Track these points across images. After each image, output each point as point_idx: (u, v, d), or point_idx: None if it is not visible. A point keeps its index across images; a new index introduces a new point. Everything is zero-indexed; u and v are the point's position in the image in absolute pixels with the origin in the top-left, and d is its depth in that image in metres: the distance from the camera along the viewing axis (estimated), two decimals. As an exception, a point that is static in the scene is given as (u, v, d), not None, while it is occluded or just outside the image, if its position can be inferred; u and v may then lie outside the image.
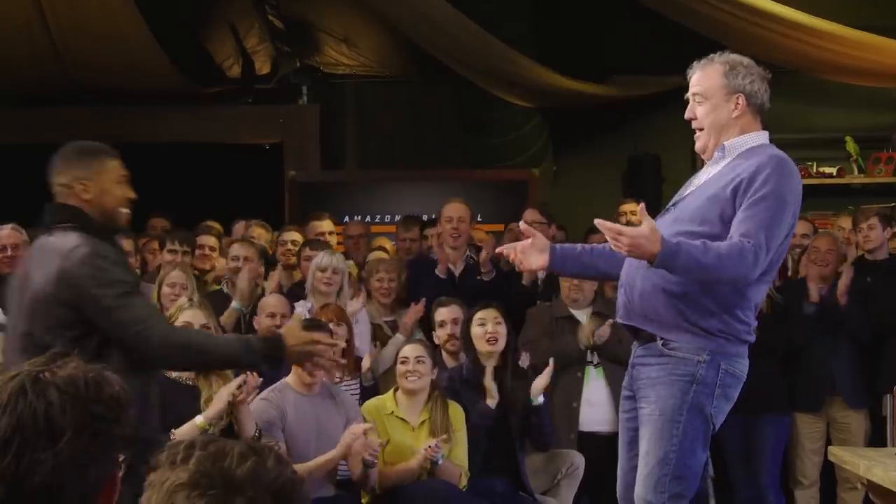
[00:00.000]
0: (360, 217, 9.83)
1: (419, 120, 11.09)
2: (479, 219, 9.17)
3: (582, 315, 6.67)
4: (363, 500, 5.75)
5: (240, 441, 1.78)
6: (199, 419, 5.13)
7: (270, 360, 4.12)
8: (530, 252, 4.16)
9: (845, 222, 8.00)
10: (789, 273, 7.49)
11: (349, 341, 6.11)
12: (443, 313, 6.42)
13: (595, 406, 6.46)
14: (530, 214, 7.40)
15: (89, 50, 10.07)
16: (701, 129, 4.10)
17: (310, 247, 7.19)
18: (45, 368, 1.89)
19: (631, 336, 4.20)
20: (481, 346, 6.11)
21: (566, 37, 10.15)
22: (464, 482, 5.82)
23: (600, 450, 6.26)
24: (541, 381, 6.05)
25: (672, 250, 3.73)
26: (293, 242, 7.54)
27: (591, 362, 6.55)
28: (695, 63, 4.13)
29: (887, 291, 6.94)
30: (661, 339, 4.00)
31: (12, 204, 9.06)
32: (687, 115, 4.13)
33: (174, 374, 5.31)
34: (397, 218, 9.09)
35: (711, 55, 4.11)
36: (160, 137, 11.08)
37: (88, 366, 1.93)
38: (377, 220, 10.14)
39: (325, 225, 8.18)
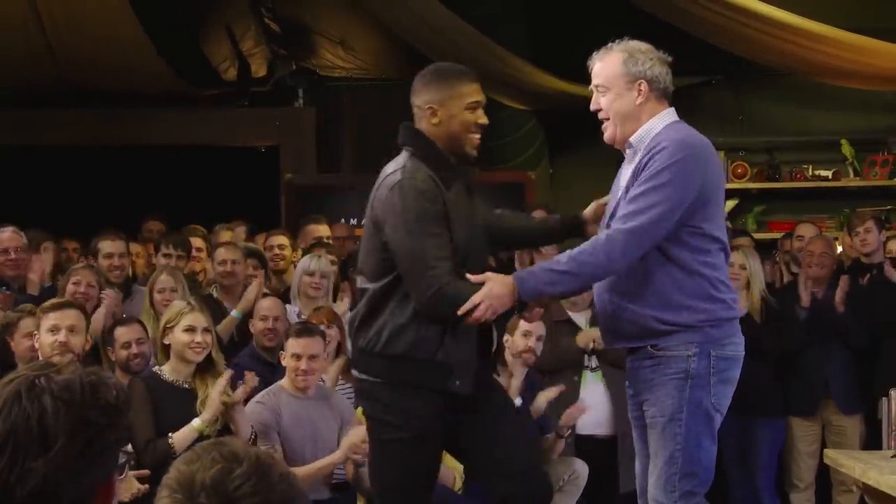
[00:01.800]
0: (355, 220, 9.83)
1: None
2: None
3: (580, 318, 6.66)
4: (358, 503, 5.75)
5: (246, 454, 1.76)
6: (196, 422, 5.14)
7: None
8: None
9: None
10: (784, 280, 7.48)
11: (341, 343, 6.11)
12: (531, 325, 6.10)
13: (593, 410, 6.45)
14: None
15: (85, 52, 10.06)
16: (607, 119, 4.08)
17: (327, 251, 7.21)
18: (41, 374, 1.88)
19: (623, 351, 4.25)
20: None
21: (562, 39, 10.15)
22: (458, 485, 5.82)
23: (598, 453, 6.26)
24: (546, 396, 6.07)
25: (522, 278, 3.94)
26: (280, 247, 7.53)
27: (589, 367, 6.54)
28: (594, 54, 4.11)
29: (883, 294, 6.95)
30: (649, 344, 4.02)
31: (9, 205, 9.08)
32: (592, 106, 4.11)
33: (170, 378, 5.31)
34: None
35: (610, 44, 4.10)
36: (156, 140, 11.08)
37: (87, 370, 1.92)
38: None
39: (322, 229, 8.17)
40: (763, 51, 9.36)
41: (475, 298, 3.87)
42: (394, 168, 4.07)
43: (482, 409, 4.15)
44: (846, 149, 10.23)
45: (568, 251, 3.97)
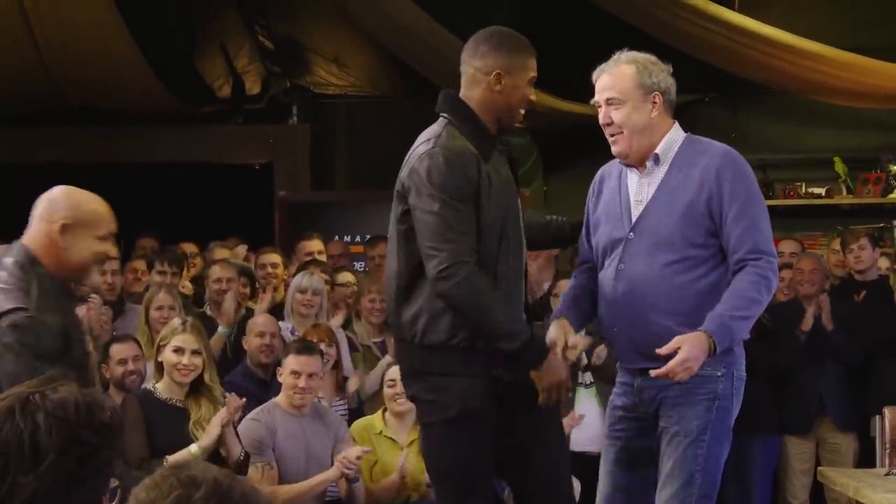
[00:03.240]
0: (349, 237, 9.83)
1: (410, 140, 10.95)
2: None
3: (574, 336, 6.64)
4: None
5: (205, 478, 1.74)
6: (193, 448, 5.09)
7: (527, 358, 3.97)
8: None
9: (835, 244, 8.00)
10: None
11: (338, 361, 6.12)
12: None
13: (586, 426, 6.44)
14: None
15: (79, 69, 10.07)
16: (619, 133, 4.00)
17: (321, 269, 7.19)
18: (37, 391, 1.89)
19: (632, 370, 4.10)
20: None
21: (556, 57, 10.17)
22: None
23: (590, 470, 6.24)
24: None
25: (715, 331, 3.77)
26: (272, 265, 7.53)
27: (583, 383, 6.53)
28: (600, 66, 4.05)
29: (877, 312, 6.96)
30: None
31: (2, 223, 9.06)
32: (603, 120, 4.03)
33: (164, 396, 5.30)
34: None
35: (616, 56, 4.04)
36: (150, 157, 11.07)
37: (83, 390, 1.92)
38: (366, 241, 10.13)
39: (315, 245, 8.16)
40: (757, 69, 9.39)
41: (677, 361, 3.71)
42: (427, 136, 3.93)
43: (535, 412, 4.00)
44: (839, 166, 10.24)
45: (735, 288, 3.84)
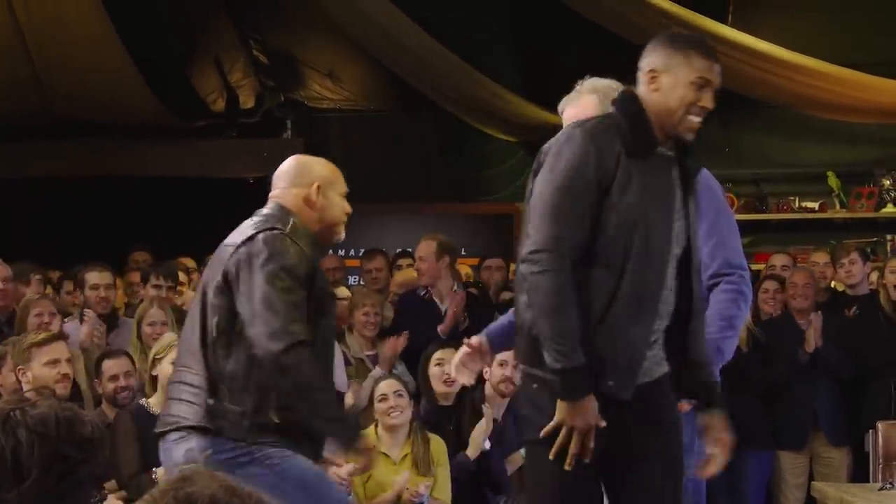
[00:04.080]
0: (344, 251, 9.82)
1: (404, 154, 11.10)
2: (463, 253, 9.17)
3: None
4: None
5: (202, 495, 1.73)
6: (183, 461, 5.09)
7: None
8: (464, 366, 4.06)
9: (821, 257, 8.02)
10: (761, 315, 7.42)
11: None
12: (507, 353, 6.12)
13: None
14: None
15: (72, 83, 10.06)
16: None
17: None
18: (17, 407, 1.88)
19: None
20: (439, 386, 6.07)
21: (550, 70, 10.18)
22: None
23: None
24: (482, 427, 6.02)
25: (716, 357, 3.86)
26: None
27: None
28: (565, 98, 4.05)
29: (868, 326, 6.96)
30: None
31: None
32: None
33: (157, 411, 5.28)
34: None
35: (577, 87, 4.04)
36: (144, 171, 11.05)
37: (62, 405, 1.92)
38: (361, 254, 10.12)
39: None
40: (751, 84, 9.40)
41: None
42: (582, 122, 3.62)
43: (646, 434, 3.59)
44: (833, 181, 10.26)
45: (713, 313, 3.89)
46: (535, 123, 10.13)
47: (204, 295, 3.98)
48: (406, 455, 5.82)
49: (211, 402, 3.87)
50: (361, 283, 8.60)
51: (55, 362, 5.18)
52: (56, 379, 5.16)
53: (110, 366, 5.76)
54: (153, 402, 5.33)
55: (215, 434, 3.87)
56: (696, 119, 3.52)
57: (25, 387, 5.16)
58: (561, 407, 3.42)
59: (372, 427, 5.97)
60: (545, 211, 3.46)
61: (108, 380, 5.71)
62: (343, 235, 4.19)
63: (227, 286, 3.91)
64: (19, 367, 5.26)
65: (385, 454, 5.84)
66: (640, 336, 3.49)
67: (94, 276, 6.91)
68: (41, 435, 1.85)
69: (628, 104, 3.57)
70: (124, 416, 5.27)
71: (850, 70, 9.15)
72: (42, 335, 5.39)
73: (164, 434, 4.01)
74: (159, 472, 5.06)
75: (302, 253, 3.94)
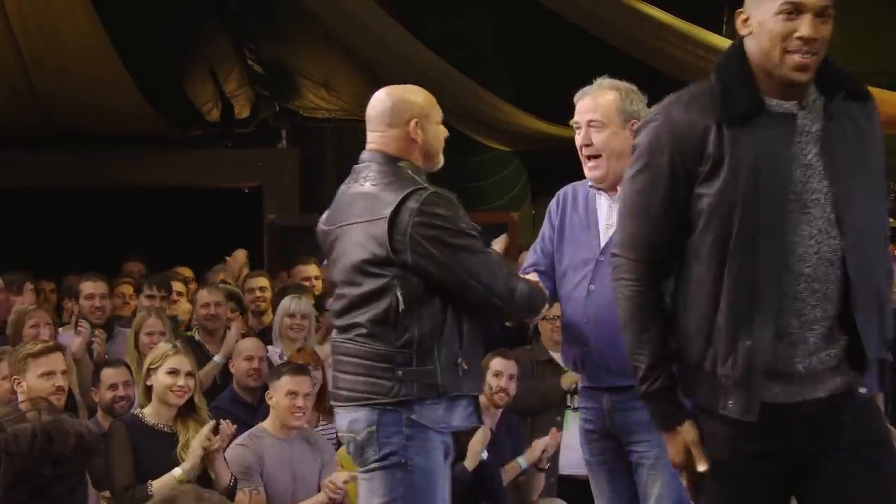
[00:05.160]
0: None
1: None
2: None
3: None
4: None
5: None
6: (177, 472, 5.06)
7: None
8: None
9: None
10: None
11: (324, 385, 6.09)
12: (501, 364, 6.09)
13: (576, 450, 6.33)
14: (522, 257, 7.37)
15: (68, 93, 10.07)
16: (596, 157, 4.03)
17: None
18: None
19: (597, 392, 4.11)
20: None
21: (544, 81, 10.20)
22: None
23: (580, 494, 6.23)
24: (542, 444, 6.04)
25: None
26: (261, 289, 7.51)
27: (571, 406, 6.53)
28: (583, 89, 4.08)
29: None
30: None
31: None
32: (582, 141, 4.05)
33: (151, 421, 5.27)
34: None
35: (599, 81, 4.07)
36: (139, 181, 11.08)
37: (47, 419, 1.91)
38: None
39: (311, 269, 8.16)
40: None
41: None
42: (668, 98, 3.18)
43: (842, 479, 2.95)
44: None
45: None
46: (529, 133, 10.15)
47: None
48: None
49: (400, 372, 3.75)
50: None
51: (50, 374, 5.16)
52: (51, 391, 5.13)
53: (109, 375, 5.74)
54: (147, 413, 5.31)
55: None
56: (798, 56, 2.88)
57: (20, 397, 5.15)
58: (667, 440, 3.04)
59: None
60: (622, 209, 3.13)
61: (107, 389, 5.70)
62: (442, 162, 4.12)
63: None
64: (14, 376, 5.24)
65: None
66: (762, 338, 2.86)
67: (88, 286, 6.92)
68: (12, 454, 1.85)
69: (724, 60, 3.05)
70: (119, 426, 5.24)
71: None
72: (39, 346, 5.37)
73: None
74: (154, 485, 5.05)
75: None
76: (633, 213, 3.03)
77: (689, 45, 8.96)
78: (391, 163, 3.91)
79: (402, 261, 3.72)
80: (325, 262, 4.35)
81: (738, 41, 3.02)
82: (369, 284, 3.78)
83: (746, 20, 2.98)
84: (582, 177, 4.18)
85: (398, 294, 3.73)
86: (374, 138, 4.00)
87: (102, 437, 4.67)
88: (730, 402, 2.88)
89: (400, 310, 3.73)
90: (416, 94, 4.05)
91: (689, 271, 2.96)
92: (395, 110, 3.97)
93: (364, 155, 4.02)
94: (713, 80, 3.00)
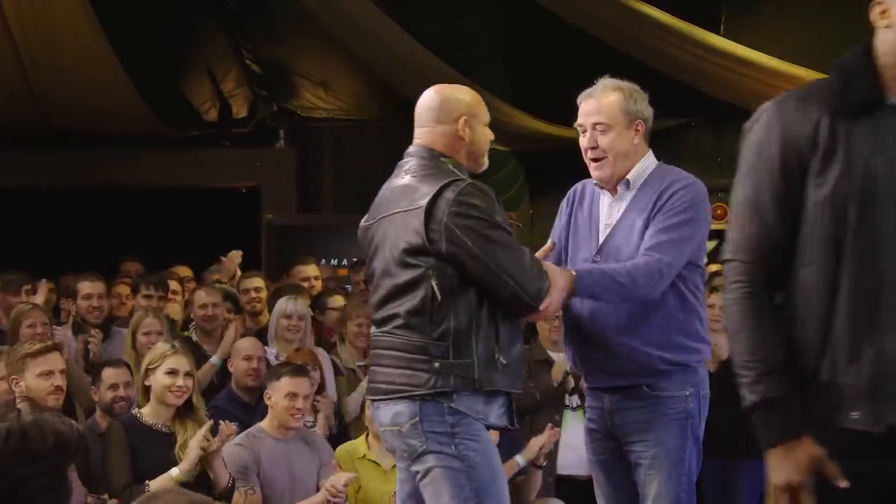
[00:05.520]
0: (336, 261, 9.82)
1: (396, 163, 11.10)
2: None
3: (561, 357, 6.65)
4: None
5: None
6: (174, 472, 5.06)
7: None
8: None
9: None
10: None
11: (321, 385, 6.11)
12: None
13: (574, 449, 6.40)
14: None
15: (66, 93, 10.07)
16: (602, 158, 4.06)
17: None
18: None
19: (599, 392, 4.14)
20: None
21: (543, 82, 10.20)
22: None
23: (578, 494, 6.24)
24: (540, 441, 6.04)
25: (583, 275, 3.84)
26: (256, 290, 7.51)
27: (570, 405, 6.53)
28: (586, 91, 4.10)
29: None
30: (645, 384, 3.99)
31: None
32: (588, 143, 4.08)
33: (150, 421, 5.27)
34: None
35: (602, 82, 4.10)
36: (137, 181, 11.08)
37: (26, 417, 1.91)
38: (349, 265, 10.12)
39: (311, 270, 8.15)
40: (743, 93, 9.42)
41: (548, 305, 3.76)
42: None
43: None
44: (826, 190, 10.28)
45: (624, 265, 3.89)
46: (526, 133, 10.15)
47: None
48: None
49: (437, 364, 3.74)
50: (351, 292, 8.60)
51: (49, 373, 5.16)
52: (49, 391, 5.14)
53: (110, 374, 5.72)
54: (145, 413, 5.31)
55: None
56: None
57: (18, 396, 5.15)
58: (771, 457, 2.75)
59: (363, 436, 5.96)
60: (734, 210, 2.93)
61: (107, 388, 5.69)
62: (487, 164, 4.11)
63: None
64: (13, 376, 5.24)
65: (376, 463, 5.83)
66: (890, 344, 2.64)
67: (86, 286, 6.92)
68: None
69: (851, 54, 2.86)
70: (116, 426, 5.24)
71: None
72: (38, 346, 5.37)
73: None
74: (152, 486, 5.05)
75: None
76: (744, 212, 2.85)
77: (687, 44, 8.97)
78: (434, 157, 3.91)
79: (437, 250, 3.72)
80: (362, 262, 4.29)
81: (866, 42, 2.84)
82: (406, 275, 3.78)
83: (885, 12, 2.77)
84: (579, 177, 4.19)
85: (433, 284, 3.73)
86: (422, 133, 3.99)
87: (84, 437, 4.64)
88: (854, 413, 2.65)
89: (436, 301, 3.72)
90: (465, 94, 4.05)
91: (800, 275, 2.76)
92: (445, 107, 3.96)
93: (409, 150, 4.02)
94: (832, 73, 2.85)
